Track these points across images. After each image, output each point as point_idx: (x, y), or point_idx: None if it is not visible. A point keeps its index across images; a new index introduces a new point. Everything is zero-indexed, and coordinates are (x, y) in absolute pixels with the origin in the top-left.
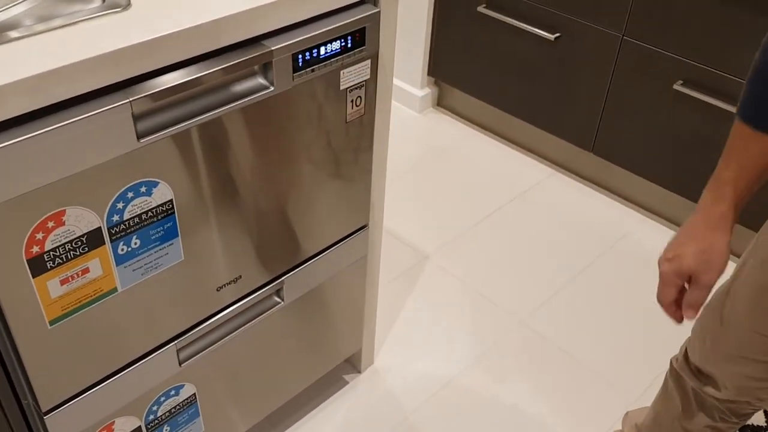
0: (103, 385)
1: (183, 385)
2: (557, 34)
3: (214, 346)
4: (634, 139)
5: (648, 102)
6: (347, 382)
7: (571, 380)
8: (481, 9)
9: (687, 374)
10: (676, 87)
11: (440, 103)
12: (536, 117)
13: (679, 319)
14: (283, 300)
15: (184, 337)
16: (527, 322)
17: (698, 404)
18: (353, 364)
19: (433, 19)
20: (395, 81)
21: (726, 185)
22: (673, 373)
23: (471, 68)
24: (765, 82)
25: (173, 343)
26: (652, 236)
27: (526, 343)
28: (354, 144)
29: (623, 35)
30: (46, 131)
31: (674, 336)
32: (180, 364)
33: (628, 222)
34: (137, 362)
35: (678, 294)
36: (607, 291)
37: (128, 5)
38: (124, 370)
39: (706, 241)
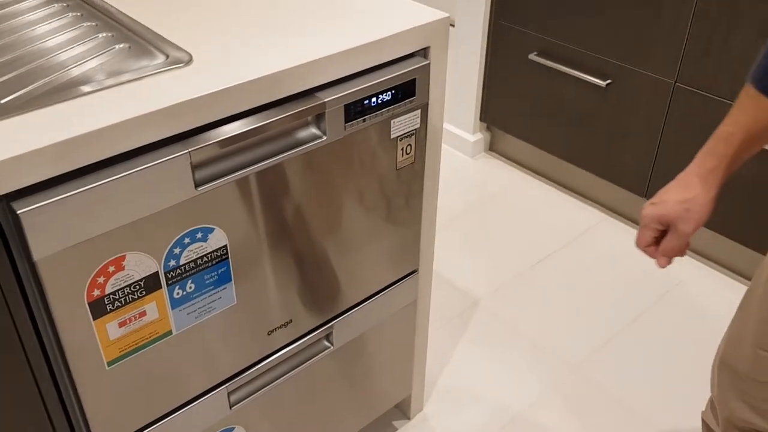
0: (156, 426)
1: (233, 429)
2: (608, 81)
3: (264, 389)
4: None
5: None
6: (396, 429)
7: (624, 430)
8: (532, 56)
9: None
10: None
11: (492, 148)
12: (588, 162)
13: (663, 264)
14: (332, 344)
15: (235, 380)
16: (580, 369)
17: None
18: (403, 411)
19: (486, 66)
20: (448, 126)
21: (721, 141)
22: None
23: (523, 113)
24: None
25: (224, 385)
26: (707, 283)
27: (579, 390)
28: (404, 190)
29: (675, 81)
30: (110, 180)
31: None
32: (230, 407)
33: (683, 269)
34: (189, 404)
35: (655, 239)
36: (661, 339)
37: (190, 61)
38: (177, 411)
39: (691, 191)
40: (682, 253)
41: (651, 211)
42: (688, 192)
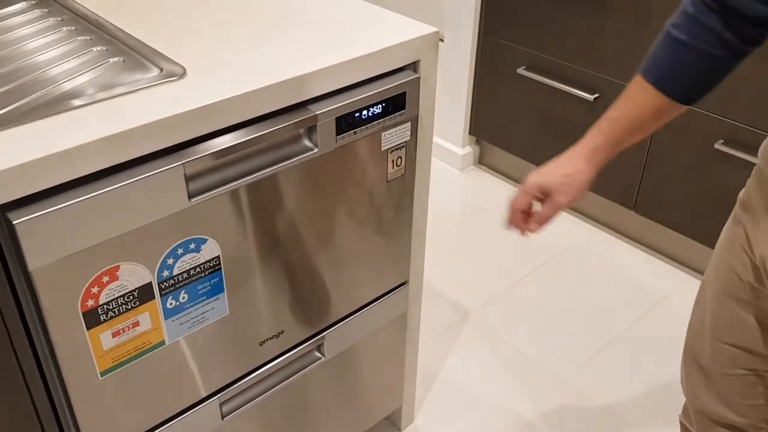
0: None
1: None
2: (596, 95)
3: (255, 400)
4: (676, 197)
5: (689, 161)
6: None
7: None
8: (521, 71)
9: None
10: (717, 146)
11: (481, 161)
12: None
13: (523, 230)
14: (324, 355)
15: (227, 390)
16: (569, 381)
17: None
18: (393, 422)
19: (474, 80)
20: (437, 139)
21: (607, 122)
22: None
23: (511, 127)
24: (660, 44)
25: (217, 396)
26: (694, 296)
27: (568, 402)
28: (394, 202)
29: None
30: (105, 191)
31: None
32: (222, 418)
33: (671, 280)
34: (182, 414)
35: (529, 207)
36: (649, 351)
37: (184, 74)
38: (170, 421)
39: (574, 167)
40: (548, 222)
41: (535, 180)
42: (570, 167)
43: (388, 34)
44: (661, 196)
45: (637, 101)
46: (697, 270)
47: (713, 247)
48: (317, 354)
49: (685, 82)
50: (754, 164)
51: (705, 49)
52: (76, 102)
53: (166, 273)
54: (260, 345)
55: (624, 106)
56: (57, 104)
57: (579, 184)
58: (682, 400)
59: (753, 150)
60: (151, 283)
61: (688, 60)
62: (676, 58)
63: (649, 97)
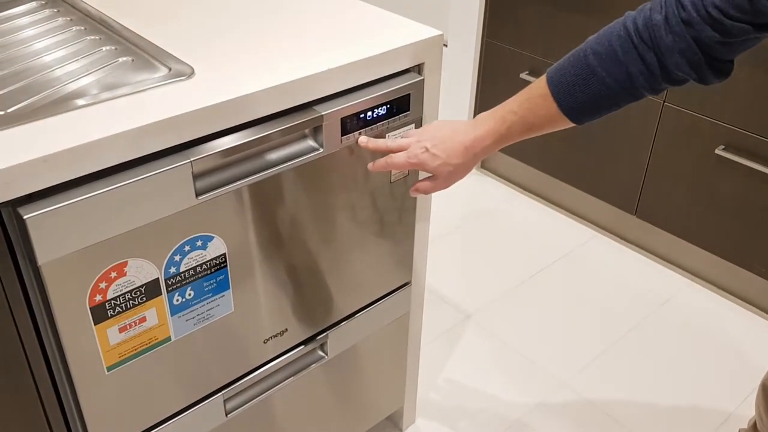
0: None
1: None
2: None
3: (259, 398)
4: (677, 202)
5: (690, 166)
6: None
7: None
8: (523, 75)
9: None
10: (718, 152)
11: (484, 165)
12: (579, 180)
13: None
14: (327, 354)
15: (231, 387)
16: (570, 384)
17: None
18: (395, 423)
19: (478, 85)
20: None
21: (504, 125)
22: None
23: None
24: (575, 62)
25: (221, 393)
26: (696, 300)
27: (569, 405)
28: (398, 204)
29: (664, 101)
30: (114, 188)
31: (720, 401)
32: (226, 415)
33: (672, 285)
34: (186, 410)
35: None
36: (650, 355)
37: (192, 74)
38: (174, 417)
39: (461, 158)
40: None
41: (422, 158)
42: (459, 158)
43: (393, 37)
44: (662, 201)
45: (537, 111)
46: (697, 274)
47: (714, 252)
48: (320, 353)
49: (591, 113)
50: (754, 169)
51: (620, 88)
52: (85, 100)
53: (173, 269)
54: (264, 343)
55: (523, 114)
56: (65, 102)
57: (461, 175)
58: (683, 403)
59: (753, 155)
60: (158, 279)
61: (601, 94)
62: (587, 88)
63: (550, 109)
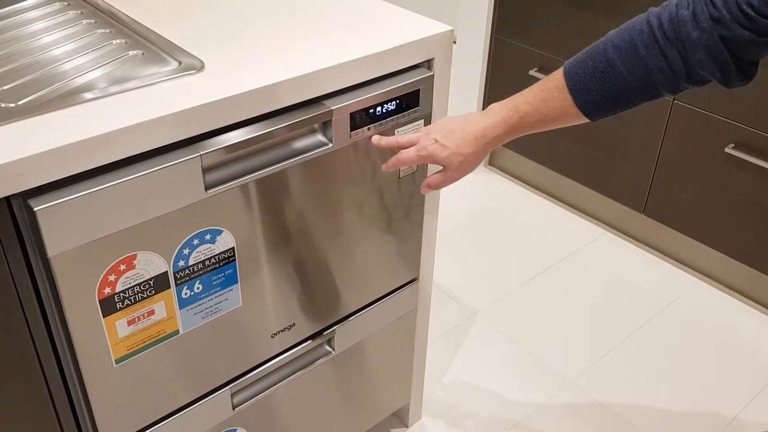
0: (160, 425)
1: (235, 430)
2: None
3: (266, 392)
4: (686, 201)
5: (700, 164)
6: None
7: None
8: (533, 72)
9: None
10: (727, 150)
11: (492, 162)
12: (587, 178)
13: (387, 168)
14: (334, 350)
15: (238, 381)
16: (576, 383)
17: None
18: (401, 418)
19: (487, 81)
20: None
21: (517, 116)
22: None
23: None
24: (595, 57)
25: (228, 387)
26: (704, 299)
27: (575, 404)
28: (406, 200)
29: (674, 99)
30: (124, 181)
31: (729, 400)
32: (233, 408)
33: (680, 284)
34: (193, 404)
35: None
36: (658, 354)
37: (202, 67)
38: (181, 411)
39: (471, 147)
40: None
41: (432, 151)
42: (470, 147)
43: (403, 32)
44: (671, 199)
45: (551, 103)
46: (706, 273)
47: (723, 251)
48: (327, 348)
49: (605, 109)
50: (764, 168)
51: (637, 84)
52: (94, 93)
53: (181, 263)
54: (272, 337)
55: (537, 104)
56: (76, 95)
57: (473, 165)
58: (691, 403)
59: (763, 154)
60: (167, 272)
61: (617, 88)
62: (604, 82)
63: (564, 101)
